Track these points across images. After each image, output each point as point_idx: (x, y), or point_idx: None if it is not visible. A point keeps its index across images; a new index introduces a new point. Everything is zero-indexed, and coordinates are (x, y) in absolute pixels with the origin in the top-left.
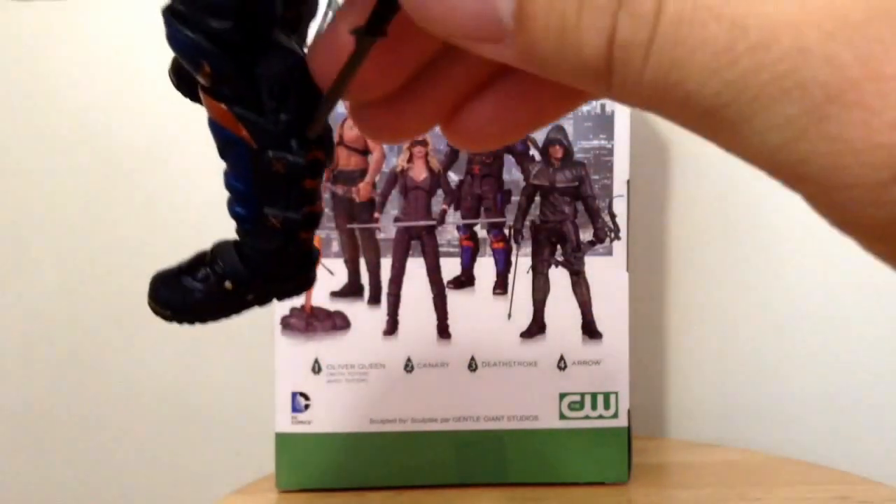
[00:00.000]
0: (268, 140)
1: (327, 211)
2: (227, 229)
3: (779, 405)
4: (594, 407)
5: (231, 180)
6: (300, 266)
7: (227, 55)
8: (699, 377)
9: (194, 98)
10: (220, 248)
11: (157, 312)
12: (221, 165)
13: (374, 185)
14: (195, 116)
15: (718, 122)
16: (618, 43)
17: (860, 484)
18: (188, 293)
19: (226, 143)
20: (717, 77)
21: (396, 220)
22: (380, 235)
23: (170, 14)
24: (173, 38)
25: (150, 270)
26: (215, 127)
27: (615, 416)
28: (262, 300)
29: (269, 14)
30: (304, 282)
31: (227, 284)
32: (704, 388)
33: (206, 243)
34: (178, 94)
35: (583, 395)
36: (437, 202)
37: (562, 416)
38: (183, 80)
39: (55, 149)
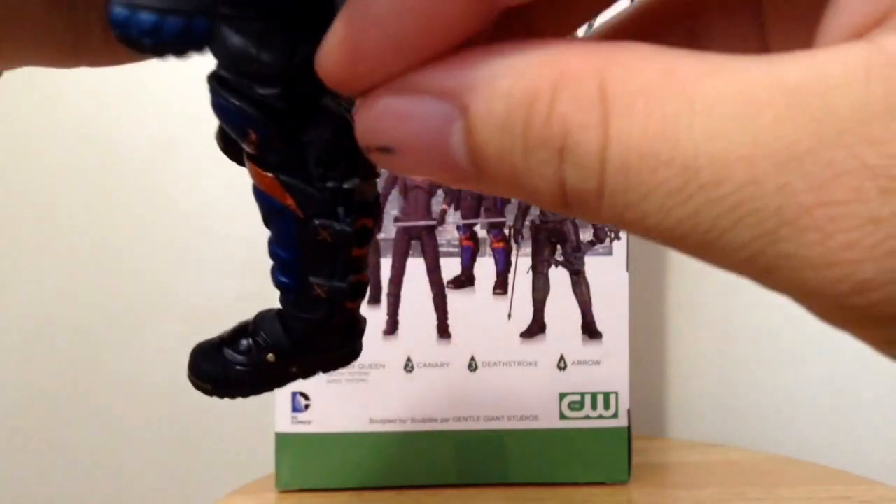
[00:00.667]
0: (314, 208)
1: None
2: (227, 229)
3: (779, 405)
4: (594, 407)
5: (275, 248)
6: (346, 337)
7: (273, 123)
8: (699, 377)
9: (242, 162)
10: (263, 319)
11: (197, 387)
12: (228, 167)
13: None
14: (196, 117)
15: (682, 246)
16: (569, 189)
17: (860, 484)
18: (229, 366)
19: (270, 212)
20: (671, 215)
21: (396, 220)
22: (380, 235)
23: (215, 81)
24: (218, 106)
25: (150, 270)
26: (260, 195)
27: (615, 416)
28: (307, 373)
29: (316, 80)
30: (350, 354)
31: (270, 357)
32: (704, 388)
33: (206, 243)
34: (180, 95)
35: (583, 395)
36: (437, 202)
37: (562, 416)
38: (230, 144)
39: (55, 148)
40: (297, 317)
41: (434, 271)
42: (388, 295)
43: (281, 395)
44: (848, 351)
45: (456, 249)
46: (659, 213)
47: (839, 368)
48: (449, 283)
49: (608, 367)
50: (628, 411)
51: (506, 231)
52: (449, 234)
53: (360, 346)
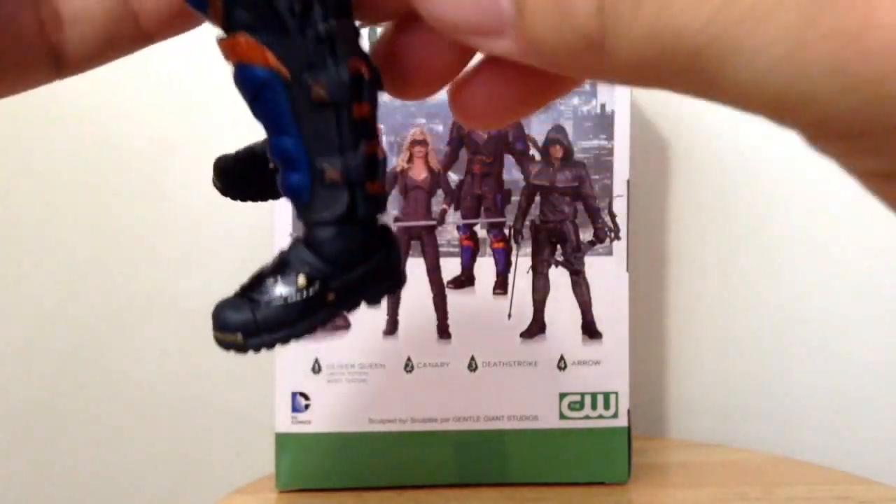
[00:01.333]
0: (299, 62)
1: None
2: (228, 229)
3: (779, 405)
4: (594, 407)
5: (274, 141)
6: (378, 242)
7: None
8: (699, 377)
9: (246, 198)
10: (284, 252)
11: (225, 344)
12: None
13: None
14: (196, 117)
15: (708, 60)
16: (608, 1)
17: (860, 484)
18: (257, 308)
19: (257, 88)
20: (704, 6)
21: (396, 220)
22: None
23: None
24: None
25: (149, 270)
26: (241, 73)
27: (615, 416)
28: (345, 300)
29: None
30: (389, 272)
31: (301, 281)
32: (704, 388)
33: (207, 243)
34: (180, 95)
35: (583, 395)
36: (437, 202)
37: (562, 416)
38: (229, 179)
39: (55, 148)
40: (319, 222)
41: (434, 271)
42: (388, 295)
43: (281, 396)
44: (848, 351)
45: (456, 249)
46: (691, 9)
47: (839, 369)
48: (449, 283)
49: (608, 367)
50: (628, 411)
51: (506, 231)
52: (449, 234)
53: (401, 269)
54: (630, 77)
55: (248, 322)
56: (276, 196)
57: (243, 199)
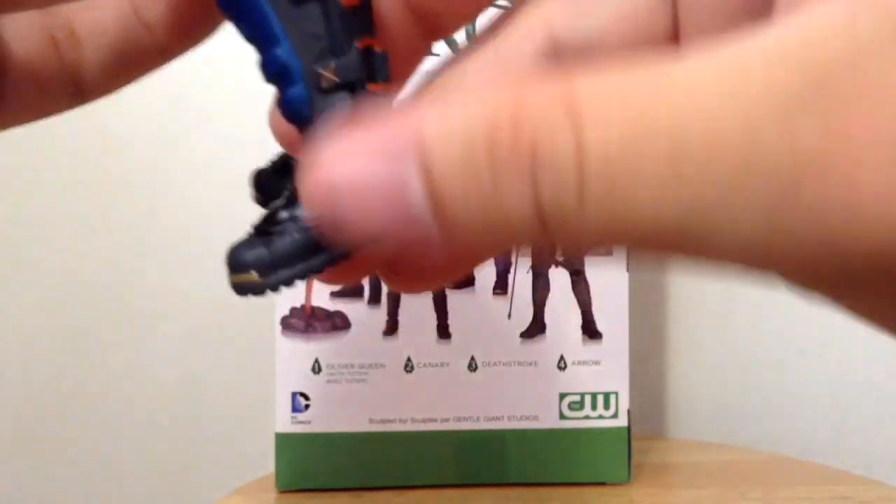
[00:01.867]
0: None
1: None
2: (229, 229)
3: (779, 405)
4: (594, 407)
5: (266, 58)
6: None
7: None
8: (699, 377)
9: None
10: (297, 178)
11: (241, 287)
12: (229, 167)
13: None
14: (197, 116)
15: (677, 249)
16: (547, 207)
17: (860, 484)
18: (271, 242)
19: (235, 5)
20: (668, 206)
21: None
22: None
23: None
24: None
25: (150, 270)
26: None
27: (615, 416)
28: None
29: None
30: None
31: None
32: (704, 388)
33: (207, 243)
34: (180, 94)
35: (583, 395)
36: None
37: (562, 416)
38: (269, 191)
39: (55, 148)
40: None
41: None
42: (388, 295)
43: (281, 396)
44: (848, 351)
45: None
46: (652, 206)
47: (839, 368)
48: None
49: (608, 367)
50: (628, 411)
51: None
52: None
53: None
54: (586, 247)
55: (262, 258)
56: None
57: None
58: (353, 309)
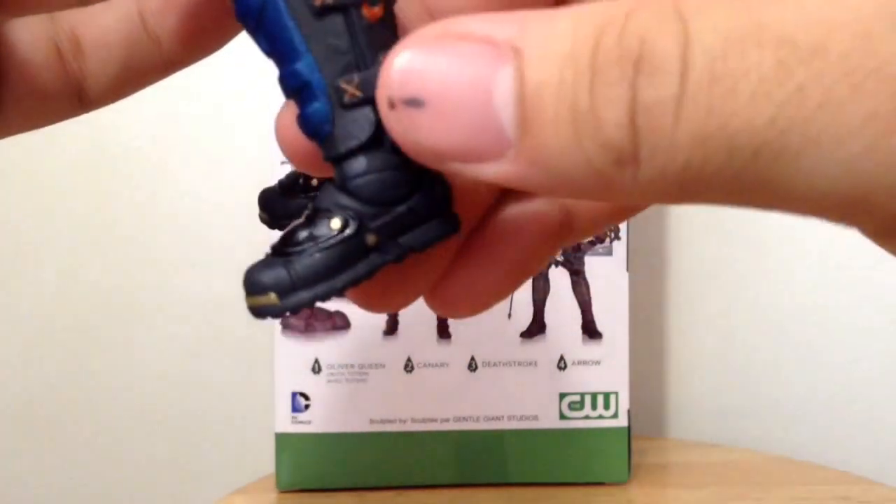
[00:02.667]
0: None
1: None
2: (230, 229)
3: (779, 405)
4: (594, 407)
5: (286, 72)
6: (424, 173)
7: None
8: (699, 377)
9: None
10: (315, 200)
11: (259, 309)
12: (230, 167)
13: None
14: (198, 116)
15: (771, 162)
16: (641, 106)
17: (860, 484)
18: (290, 262)
19: (259, 9)
20: (768, 101)
21: None
22: None
23: None
24: None
25: (150, 270)
26: (240, 15)
27: (615, 416)
28: (391, 244)
29: None
30: (440, 206)
31: (335, 223)
32: (704, 388)
33: (207, 243)
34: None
35: (583, 395)
36: None
37: (562, 416)
38: (276, 211)
39: (55, 147)
40: (347, 153)
41: None
42: None
43: (281, 396)
44: (848, 351)
45: None
46: (750, 105)
47: (839, 369)
48: None
49: (608, 367)
50: (628, 411)
51: None
52: None
53: (452, 206)
54: (664, 193)
55: (281, 279)
56: None
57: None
58: (353, 309)
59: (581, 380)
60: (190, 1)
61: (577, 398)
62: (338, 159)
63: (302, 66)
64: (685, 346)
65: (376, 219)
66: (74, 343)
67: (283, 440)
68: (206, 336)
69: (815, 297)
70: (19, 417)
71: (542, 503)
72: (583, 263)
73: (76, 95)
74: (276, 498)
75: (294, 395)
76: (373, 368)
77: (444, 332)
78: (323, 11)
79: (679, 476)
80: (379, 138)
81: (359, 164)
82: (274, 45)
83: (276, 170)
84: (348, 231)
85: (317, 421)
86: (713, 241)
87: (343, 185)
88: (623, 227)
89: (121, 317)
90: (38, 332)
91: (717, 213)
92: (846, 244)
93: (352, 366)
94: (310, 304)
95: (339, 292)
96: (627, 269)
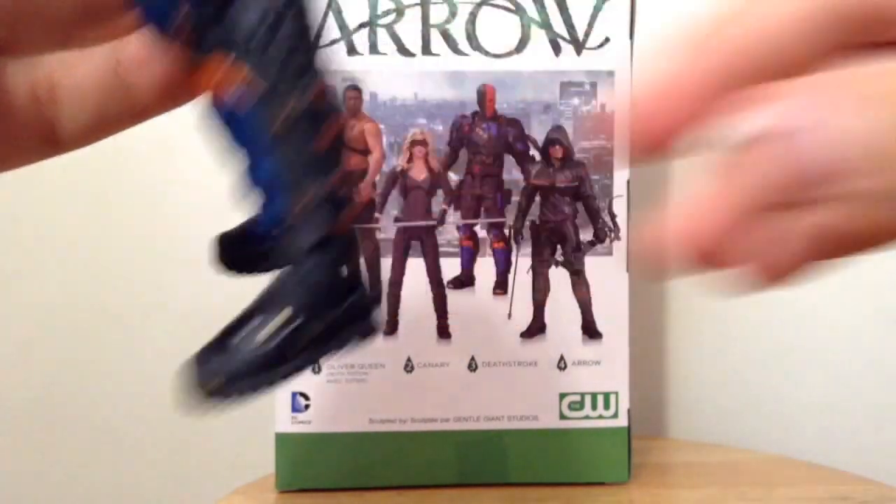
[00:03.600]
0: (272, 78)
1: None
2: (228, 229)
3: (779, 405)
4: (594, 407)
5: (252, 169)
6: (359, 281)
7: None
8: (699, 377)
9: (252, 270)
10: (269, 285)
11: (206, 393)
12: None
13: (374, 186)
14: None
15: None
16: None
17: (860, 484)
18: (237, 350)
19: (232, 110)
20: None
21: (396, 220)
22: (380, 235)
23: None
24: (144, 9)
25: (150, 270)
26: (218, 106)
27: (615, 416)
28: (324, 342)
29: None
30: (366, 312)
31: (286, 313)
32: (704, 388)
33: (206, 244)
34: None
35: (583, 395)
36: (437, 202)
37: (562, 416)
38: (233, 255)
39: None
40: (301, 249)
41: (434, 271)
42: (388, 295)
43: (281, 396)
44: (848, 351)
45: (456, 249)
46: None
47: (839, 368)
48: (449, 283)
49: (608, 367)
50: (628, 411)
51: (506, 231)
52: (449, 234)
53: (375, 313)
54: None
55: (230, 366)
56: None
57: (249, 273)
58: None
59: (581, 380)
60: (166, 56)
61: (577, 398)
62: (292, 253)
63: (267, 166)
64: (685, 346)
65: (319, 313)
66: (74, 343)
67: (283, 440)
68: (205, 336)
69: (814, 297)
70: (19, 417)
71: (542, 503)
72: (583, 263)
73: (48, 140)
74: (276, 498)
75: (294, 395)
76: (373, 368)
77: (444, 332)
78: (291, 124)
79: (679, 476)
80: (328, 240)
81: (311, 261)
82: (242, 142)
83: None
84: (296, 323)
85: (317, 421)
86: None
87: (295, 276)
88: (623, 227)
89: (121, 317)
90: (38, 332)
91: None
92: None
93: (352, 366)
94: (253, 391)
95: (280, 382)
96: (627, 269)
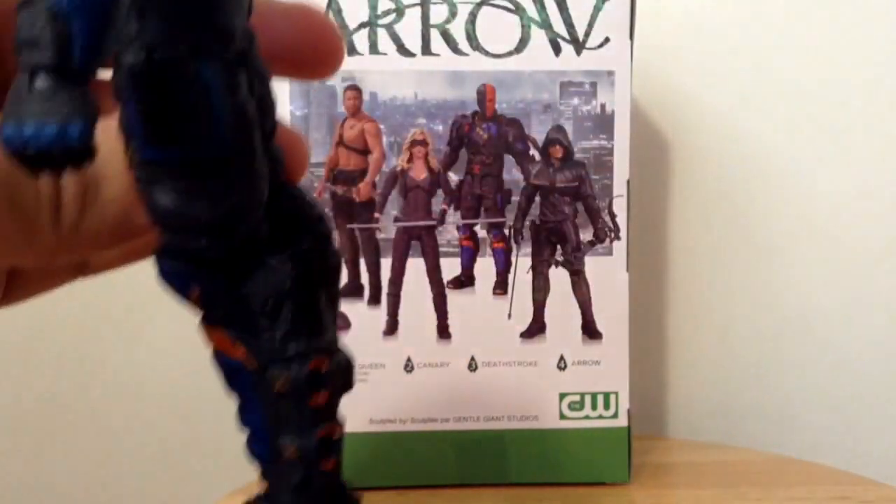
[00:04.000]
0: (266, 357)
1: (327, 211)
2: None
3: (779, 405)
4: (594, 407)
5: (242, 415)
6: None
7: (212, 275)
8: (699, 377)
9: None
10: None
11: None
12: None
13: (373, 185)
14: None
15: None
16: None
17: (860, 484)
18: None
19: (229, 373)
20: None
21: (396, 220)
22: (380, 235)
23: (158, 253)
24: (162, 274)
25: (150, 269)
26: (217, 356)
27: (615, 416)
28: None
29: (254, 232)
30: None
31: None
32: (704, 388)
33: None
34: None
35: (583, 395)
36: (437, 202)
37: (562, 416)
38: None
39: None
40: (277, 487)
41: (434, 271)
42: (388, 295)
43: None
44: (848, 351)
45: (456, 249)
46: None
47: (839, 369)
48: (449, 283)
49: (608, 367)
50: (628, 411)
51: (506, 231)
52: (449, 234)
53: None
54: None
55: None
56: None
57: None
58: (353, 309)
59: (581, 380)
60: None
61: (577, 398)
62: (270, 488)
63: (255, 419)
64: (685, 346)
65: None
66: (75, 343)
67: None
68: None
69: (815, 296)
70: (19, 417)
71: (542, 503)
72: (583, 263)
73: (80, 271)
74: None
75: None
76: (373, 368)
77: (444, 332)
78: (279, 395)
79: (679, 476)
80: (304, 488)
81: (287, 499)
82: (236, 394)
83: None
84: None
85: None
86: (713, 242)
87: None
88: (623, 227)
89: (121, 317)
90: (38, 333)
91: (717, 214)
92: (846, 244)
93: None
94: None
95: None
96: (627, 269)
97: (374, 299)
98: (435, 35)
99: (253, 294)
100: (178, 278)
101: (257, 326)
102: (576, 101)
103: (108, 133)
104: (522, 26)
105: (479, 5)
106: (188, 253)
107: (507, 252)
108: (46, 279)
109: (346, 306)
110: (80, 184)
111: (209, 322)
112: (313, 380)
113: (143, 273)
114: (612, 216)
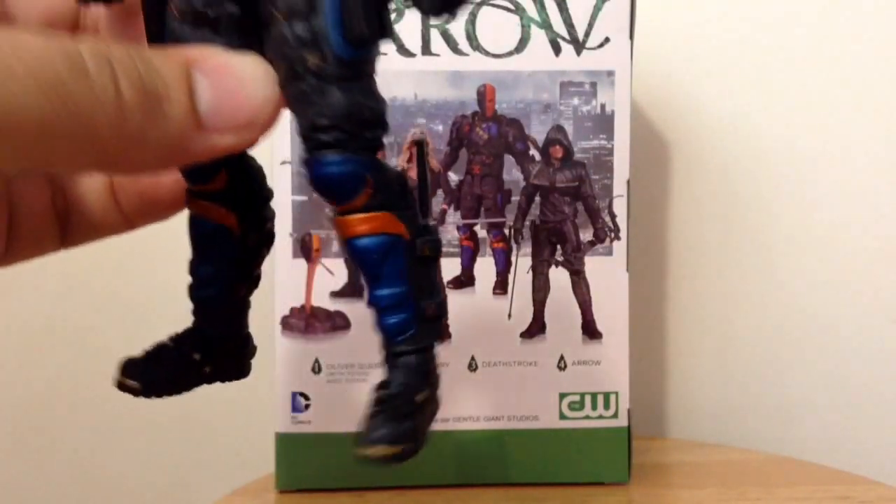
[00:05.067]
0: (416, 228)
1: (327, 210)
2: None
3: (779, 405)
4: (594, 407)
5: (386, 293)
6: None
7: (378, 163)
8: (699, 377)
9: (164, 392)
10: (393, 381)
11: (383, 459)
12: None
13: None
14: None
15: None
16: None
17: (860, 484)
18: (405, 419)
19: (383, 255)
20: None
21: None
22: None
23: (317, 152)
24: (328, 175)
25: (149, 270)
26: (375, 240)
27: (615, 416)
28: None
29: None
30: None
31: (419, 398)
32: (704, 388)
33: None
34: None
35: (583, 395)
36: (437, 202)
37: (562, 416)
38: (145, 378)
39: None
40: (416, 350)
41: None
42: None
43: (281, 396)
44: (848, 350)
45: (456, 249)
46: None
47: (840, 368)
48: (449, 283)
49: (608, 367)
50: (628, 411)
51: (506, 231)
52: (449, 234)
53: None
54: None
55: (401, 433)
56: (196, 385)
57: (160, 395)
58: (353, 309)
59: (581, 380)
60: (150, 187)
61: (577, 398)
62: (406, 352)
63: (404, 290)
64: (685, 346)
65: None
66: (74, 343)
67: (283, 440)
68: None
69: (815, 297)
70: (19, 417)
71: (542, 503)
72: (583, 263)
73: (60, 239)
74: (276, 498)
75: (294, 395)
76: (373, 368)
77: (444, 331)
78: (423, 260)
79: (679, 476)
80: (437, 341)
81: (421, 358)
82: (387, 272)
83: (275, 170)
84: (423, 405)
85: (317, 421)
86: (713, 241)
87: (414, 369)
88: (623, 227)
89: (121, 316)
90: (38, 333)
91: (718, 214)
92: (846, 244)
93: (352, 366)
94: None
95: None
96: (627, 269)
97: None
98: (435, 35)
99: (391, 175)
100: (351, 175)
101: (407, 201)
102: (576, 101)
103: (172, 58)
104: (522, 26)
105: (479, 5)
106: (363, 146)
107: (507, 252)
108: (37, 247)
109: (346, 306)
110: (142, 93)
111: (372, 209)
112: (440, 247)
113: (143, 273)
114: (612, 216)
